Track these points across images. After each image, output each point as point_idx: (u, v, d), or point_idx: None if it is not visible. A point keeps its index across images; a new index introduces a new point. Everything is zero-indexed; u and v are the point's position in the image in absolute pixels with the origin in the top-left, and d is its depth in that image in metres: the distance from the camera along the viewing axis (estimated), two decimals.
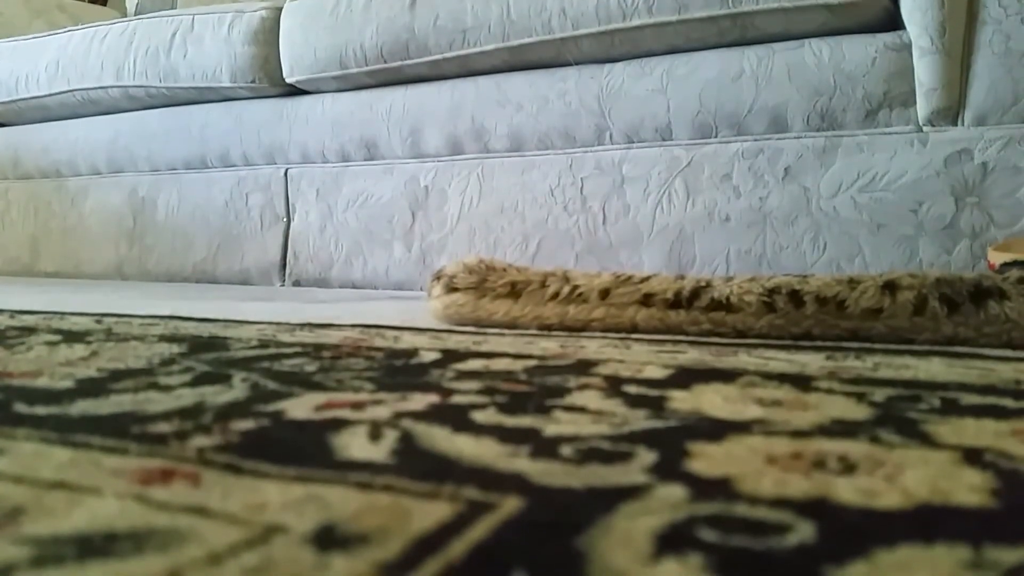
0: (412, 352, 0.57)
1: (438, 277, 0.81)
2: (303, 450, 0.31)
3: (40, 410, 0.38)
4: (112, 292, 1.25)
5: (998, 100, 0.92)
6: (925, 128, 0.95)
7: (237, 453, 0.30)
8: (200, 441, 0.32)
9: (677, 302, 0.70)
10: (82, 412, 0.38)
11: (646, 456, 0.30)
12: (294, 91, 1.38)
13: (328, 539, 0.22)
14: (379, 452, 0.30)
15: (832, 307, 0.65)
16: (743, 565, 0.20)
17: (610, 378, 0.46)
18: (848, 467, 0.28)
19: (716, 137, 1.06)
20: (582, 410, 0.38)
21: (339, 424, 0.35)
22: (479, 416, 0.36)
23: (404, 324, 0.76)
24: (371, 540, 0.22)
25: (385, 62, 1.26)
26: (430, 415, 0.37)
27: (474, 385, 0.44)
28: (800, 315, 0.66)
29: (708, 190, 1.06)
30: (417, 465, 0.29)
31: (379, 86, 1.30)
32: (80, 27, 1.58)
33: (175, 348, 0.59)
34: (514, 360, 0.53)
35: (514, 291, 0.76)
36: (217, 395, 0.41)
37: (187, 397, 0.41)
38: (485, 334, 0.70)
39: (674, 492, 0.25)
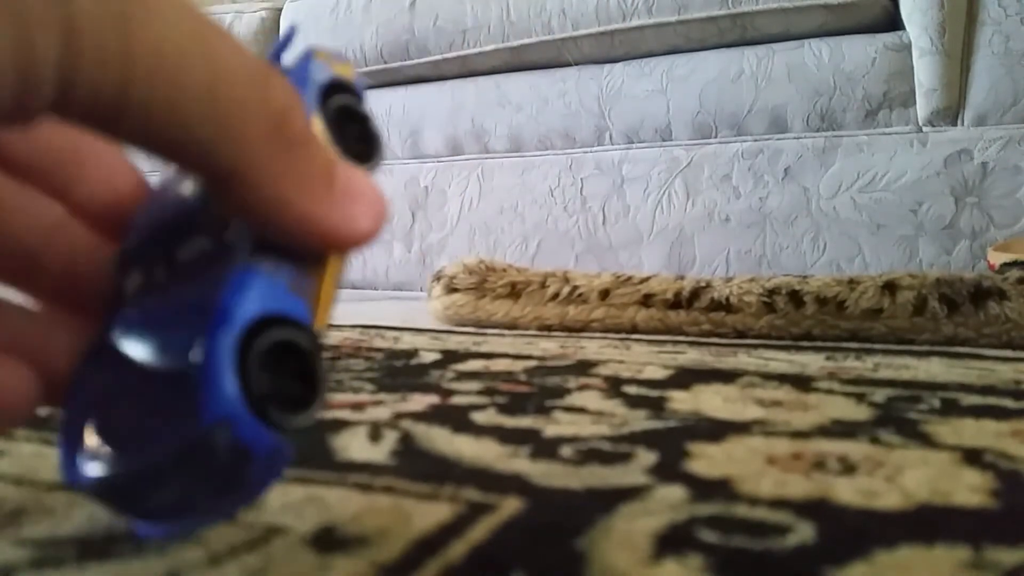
0: (412, 353, 0.57)
1: (438, 278, 0.81)
2: (303, 451, 0.31)
3: (40, 411, 0.38)
4: None
5: (998, 100, 0.92)
6: (925, 128, 0.95)
7: None
8: None
9: (677, 303, 0.70)
10: None
11: (646, 457, 0.30)
12: None
13: (328, 540, 0.22)
14: (379, 453, 0.30)
15: (832, 307, 0.65)
16: (743, 566, 0.20)
17: (610, 379, 0.46)
18: (848, 468, 0.28)
19: (716, 137, 1.06)
20: (582, 411, 0.38)
21: (339, 425, 0.35)
22: (479, 417, 0.36)
23: (404, 325, 0.76)
24: (371, 541, 0.22)
25: (385, 63, 1.26)
26: (430, 416, 0.37)
27: (474, 386, 0.44)
28: (800, 315, 0.66)
29: (708, 190, 1.06)
30: (417, 466, 0.29)
31: (379, 87, 1.30)
32: None
33: None
34: (514, 361, 0.53)
35: (514, 292, 0.76)
36: None
37: None
38: (485, 335, 0.70)
39: (674, 493, 0.25)
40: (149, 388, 0.18)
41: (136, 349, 0.19)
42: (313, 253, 0.18)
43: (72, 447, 0.19)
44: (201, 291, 0.18)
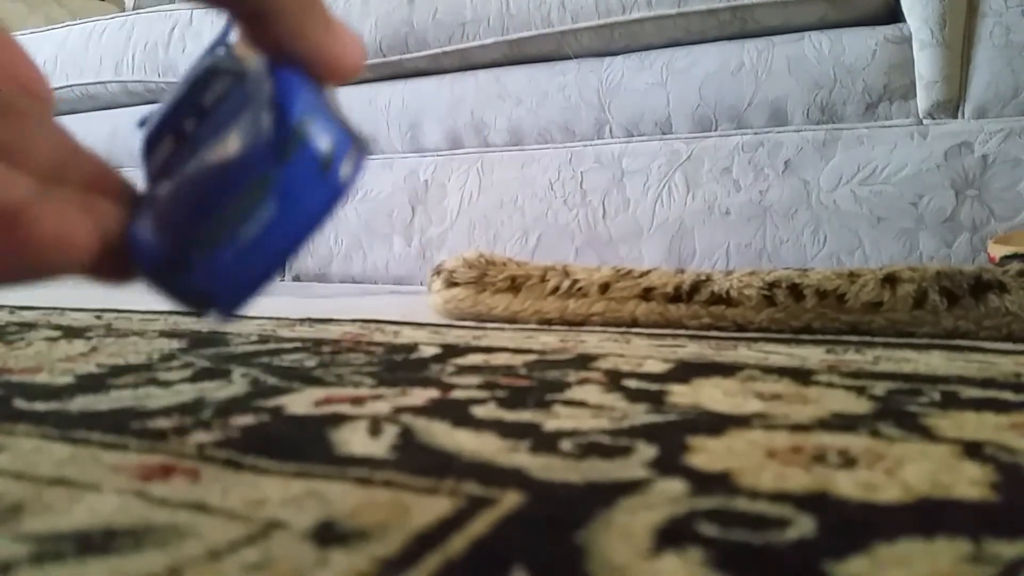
0: (412, 347, 0.57)
1: (438, 272, 0.81)
2: (303, 445, 0.31)
3: (40, 406, 0.38)
4: (112, 287, 1.25)
5: (998, 93, 0.91)
6: (925, 121, 0.95)
7: (237, 449, 0.30)
8: (200, 437, 0.32)
9: (677, 296, 0.70)
10: (82, 408, 0.38)
11: (646, 450, 0.30)
12: None
13: (328, 535, 0.22)
14: (379, 447, 0.30)
15: (832, 301, 0.65)
16: (743, 559, 0.20)
17: (610, 372, 0.46)
18: (848, 461, 0.28)
19: (716, 130, 1.06)
20: (582, 405, 0.38)
21: (339, 419, 0.35)
22: (479, 411, 0.36)
23: (404, 319, 0.76)
24: (371, 536, 0.22)
25: (384, 56, 1.25)
26: (430, 410, 0.37)
27: (474, 380, 0.44)
28: (800, 309, 0.66)
29: (708, 184, 1.06)
30: (417, 460, 0.29)
31: (378, 80, 1.30)
32: (78, 22, 1.58)
33: (175, 343, 0.59)
34: (514, 355, 0.53)
35: (514, 285, 0.76)
36: (217, 390, 0.41)
37: (187, 393, 0.41)
38: (485, 329, 0.70)
39: (674, 486, 0.25)
40: (219, 166, 0.20)
41: (196, 149, 0.21)
42: (319, 79, 0.22)
43: (151, 240, 0.21)
44: (245, 87, 0.21)
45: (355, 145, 0.21)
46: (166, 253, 0.21)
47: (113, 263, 0.21)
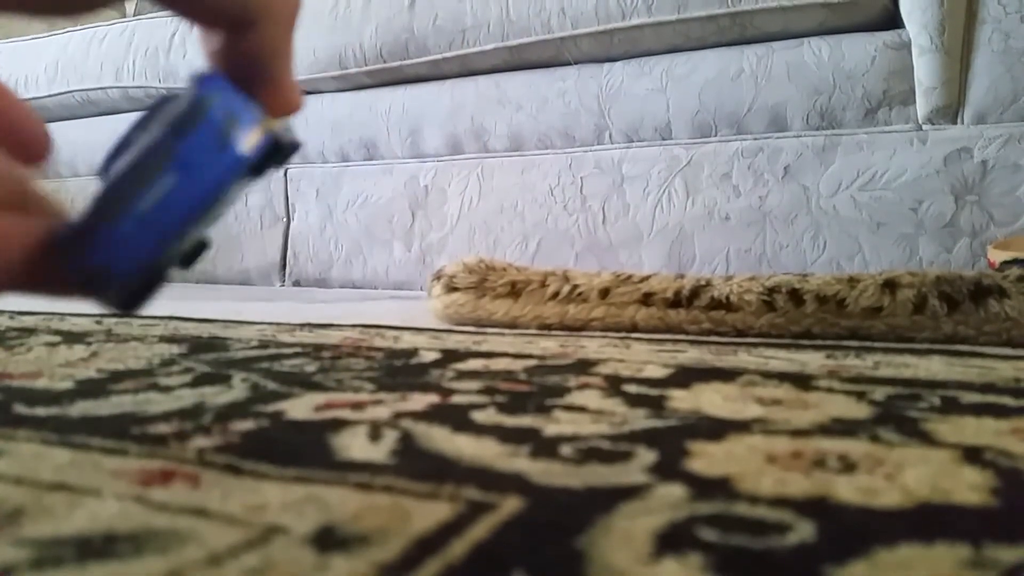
0: (412, 352, 0.57)
1: (438, 277, 0.81)
2: (303, 451, 0.31)
3: (40, 411, 0.38)
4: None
5: (998, 98, 0.92)
6: (925, 126, 0.95)
7: (237, 454, 0.30)
8: (200, 442, 0.32)
9: (677, 301, 0.70)
10: (82, 413, 0.38)
11: (646, 455, 0.30)
12: None
13: (328, 540, 0.22)
14: (379, 452, 0.30)
15: (832, 306, 0.65)
16: (743, 564, 0.20)
17: (610, 377, 0.46)
18: (848, 466, 0.28)
19: (716, 136, 1.06)
20: (582, 410, 0.38)
21: (339, 424, 0.35)
22: (479, 416, 0.36)
23: (404, 324, 0.76)
24: (371, 541, 0.22)
25: (384, 62, 1.25)
26: (430, 415, 0.37)
27: (474, 385, 0.44)
28: (800, 314, 0.66)
29: (708, 189, 1.06)
30: (417, 465, 0.29)
31: (378, 86, 1.30)
32: (79, 28, 1.58)
33: (175, 349, 0.59)
34: (514, 360, 0.53)
35: (514, 291, 0.76)
36: (217, 396, 0.41)
37: (187, 398, 0.41)
38: (485, 334, 0.70)
39: (674, 491, 0.25)
40: (145, 152, 0.22)
41: (134, 145, 0.23)
42: (264, 109, 0.24)
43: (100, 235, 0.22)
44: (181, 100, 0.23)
45: (267, 126, 0.23)
46: (72, 233, 0.22)
47: (48, 268, 0.22)
